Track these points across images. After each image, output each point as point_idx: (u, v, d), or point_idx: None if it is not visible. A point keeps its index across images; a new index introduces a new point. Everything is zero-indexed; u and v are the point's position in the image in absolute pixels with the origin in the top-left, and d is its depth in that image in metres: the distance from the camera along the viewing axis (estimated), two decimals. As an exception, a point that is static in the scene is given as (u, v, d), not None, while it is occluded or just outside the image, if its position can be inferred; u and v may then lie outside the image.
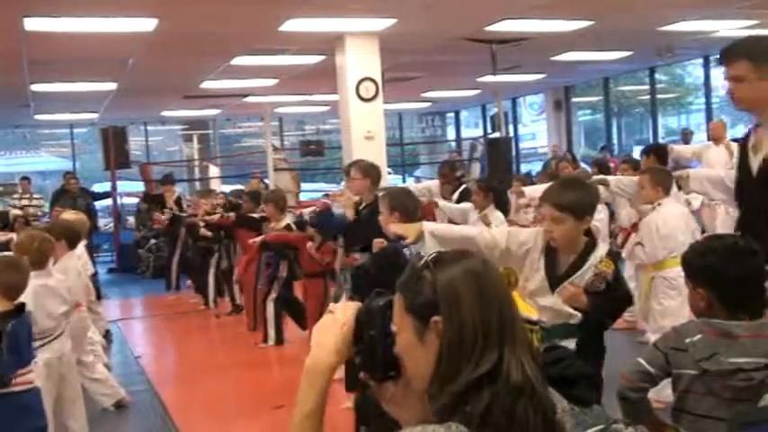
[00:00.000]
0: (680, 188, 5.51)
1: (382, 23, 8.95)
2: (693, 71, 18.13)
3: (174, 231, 10.99)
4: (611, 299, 3.15)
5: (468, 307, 1.41)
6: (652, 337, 4.62)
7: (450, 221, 6.73)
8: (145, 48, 9.40)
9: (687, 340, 2.47)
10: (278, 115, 18.67)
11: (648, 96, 16.28)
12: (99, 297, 8.70)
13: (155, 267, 13.07)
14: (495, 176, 9.27)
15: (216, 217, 8.88)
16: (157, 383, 6.65)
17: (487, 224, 6.74)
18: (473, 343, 1.39)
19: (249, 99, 14.69)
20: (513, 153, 15.54)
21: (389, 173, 13.18)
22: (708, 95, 14.81)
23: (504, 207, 7.20)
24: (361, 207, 5.79)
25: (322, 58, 10.62)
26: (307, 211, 8.44)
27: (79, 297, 5.40)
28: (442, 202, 7.26)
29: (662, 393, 3.08)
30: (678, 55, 12.98)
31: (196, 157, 19.21)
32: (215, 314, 9.67)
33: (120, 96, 13.34)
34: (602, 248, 3.18)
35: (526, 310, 1.66)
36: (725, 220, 7.45)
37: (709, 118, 13.78)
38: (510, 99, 19.02)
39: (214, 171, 15.58)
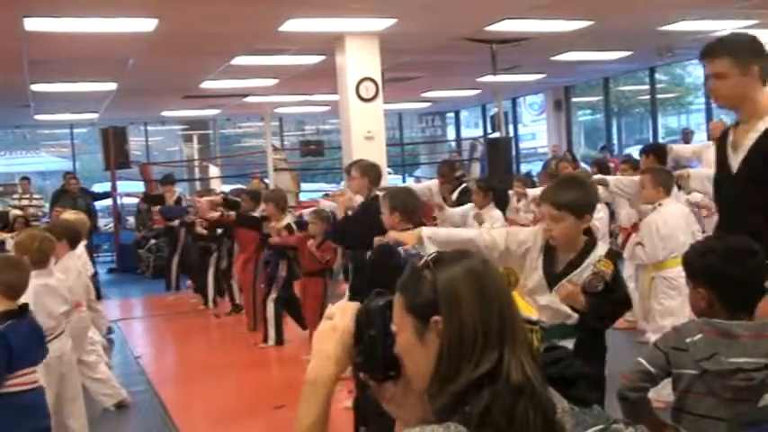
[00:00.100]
0: (680, 188, 5.53)
1: (382, 23, 8.95)
2: (693, 71, 18.15)
3: (174, 231, 10.99)
4: (608, 301, 3.12)
5: (468, 307, 1.41)
6: (652, 337, 4.62)
7: (453, 225, 6.75)
8: (145, 48, 9.40)
9: (688, 340, 2.47)
10: (278, 115, 18.68)
11: (648, 96, 16.29)
12: (99, 297, 8.71)
13: (155, 267, 13.07)
14: (495, 176, 9.27)
15: (216, 215, 8.88)
16: (157, 383, 6.65)
17: (480, 223, 6.77)
18: (473, 343, 1.39)
19: (249, 99, 14.69)
20: (513, 153, 15.53)
21: (389, 173, 13.17)
22: (708, 95, 14.81)
23: (504, 207, 7.21)
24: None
25: (322, 58, 10.63)
26: (306, 212, 8.45)
27: (80, 297, 5.40)
28: (448, 212, 7.24)
29: (662, 393, 3.09)
30: (678, 55, 12.98)
31: (196, 157, 19.22)
32: (215, 314, 9.67)
33: (120, 96, 13.35)
34: (601, 248, 3.18)
35: (526, 310, 1.66)
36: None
37: (709, 118, 13.77)
38: (510, 99, 19.02)
39: (214, 171, 15.59)
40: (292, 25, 8.61)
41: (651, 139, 15.66)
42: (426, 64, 12.16)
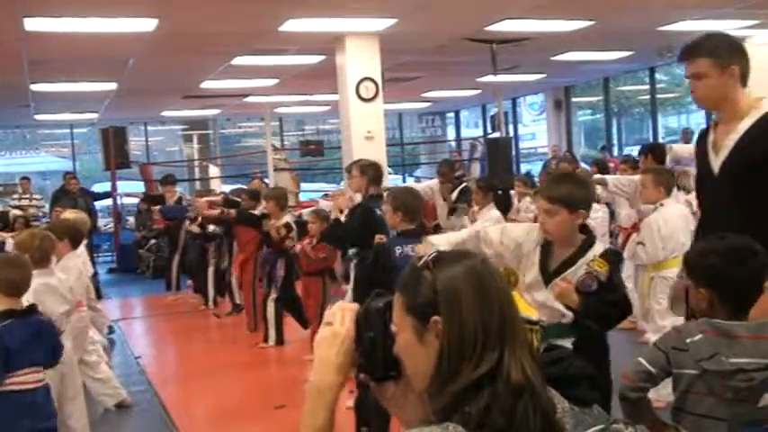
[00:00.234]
0: (680, 188, 5.53)
1: (382, 23, 8.95)
2: (693, 71, 18.09)
3: (175, 231, 10.99)
4: (603, 301, 3.09)
5: (468, 307, 1.40)
6: (652, 338, 4.62)
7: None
8: (145, 48, 9.40)
9: (688, 340, 2.47)
10: (278, 115, 18.69)
11: (648, 96, 16.28)
12: (99, 297, 8.71)
13: (155, 267, 13.07)
14: (496, 176, 9.27)
15: (216, 212, 8.89)
16: (157, 383, 6.64)
17: (473, 221, 6.81)
18: (473, 343, 1.39)
19: (249, 99, 14.70)
20: (513, 153, 15.53)
21: (390, 173, 13.17)
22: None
23: (507, 210, 7.24)
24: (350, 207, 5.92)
25: (322, 58, 10.63)
26: (306, 211, 8.44)
27: (80, 297, 5.40)
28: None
29: (662, 393, 3.09)
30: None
31: (196, 157, 19.22)
32: (215, 314, 9.67)
33: (120, 96, 13.35)
34: (598, 247, 3.18)
35: (526, 310, 1.66)
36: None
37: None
38: (510, 99, 19.02)
39: (214, 171, 15.58)
40: (292, 25, 8.61)
41: (651, 140, 15.65)
42: (426, 64, 12.16)
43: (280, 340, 7.68)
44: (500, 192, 7.53)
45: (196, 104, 15.57)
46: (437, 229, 8.02)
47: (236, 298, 9.40)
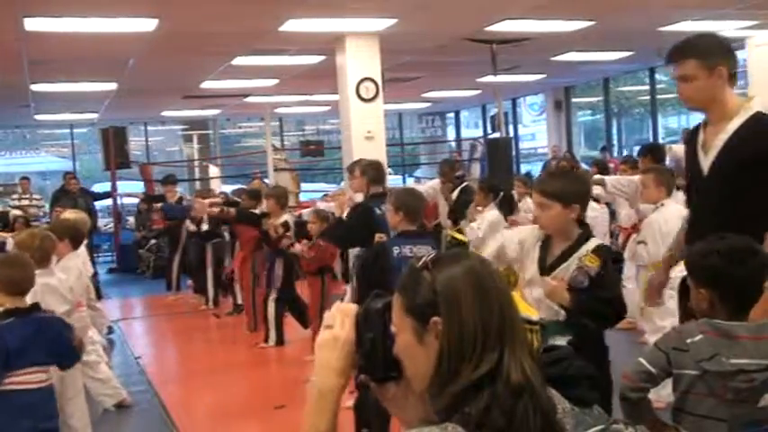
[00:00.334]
0: (679, 188, 5.53)
1: (382, 23, 8.95)
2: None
3: (175, 231, 10.99)
4: (595, 298, 3.07)
5: (467, 307, 1.40)
6: (651, 338, 4.62)
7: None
8: (145, 48, 9.40)
9: (688, 340, 2.47)
10: (278, 115, 18.68)
11: (648, 97, 16.28)
12: (99, 297, 8.71)
13: (155, 267, 13.07)
14: (496, 177, 9.28)
15: (216, 210, 8.89)
16: (157, 383, 6.64)
17: (471, 221, 6.83)
18: (473, 343, 1.39)
19: (249, 99, 14.70)
20: (513, 153, 15.53)
21: (390, 173, 13.18)
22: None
23: (510, 212, 7.25)
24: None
25: (322, 58, 10.63)
26: (306, 211, 8.44)
27: (80, 297, 5.39)
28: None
29: (662, 393, 3.09)
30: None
31: (196, 157, 19.21)
32: (215, 314, 9.66)
33: (120, 96, 13.35)
34: (592, 242, 3.18)
35: (526, 310, 1.66)
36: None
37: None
38: (510, 99, 19.02)
39: (214, 171, 15.58)
40: (292, 25, 8.61)
41: (651, 140, 15.67)
42: (426, 64, 12.16)
43: (280, 340, 7.68)
44: (503, 194, 7.53)
45: (196, 104, 15.57)
46: (438, 229, 8.04)
47: (237, 298, 9.41)
